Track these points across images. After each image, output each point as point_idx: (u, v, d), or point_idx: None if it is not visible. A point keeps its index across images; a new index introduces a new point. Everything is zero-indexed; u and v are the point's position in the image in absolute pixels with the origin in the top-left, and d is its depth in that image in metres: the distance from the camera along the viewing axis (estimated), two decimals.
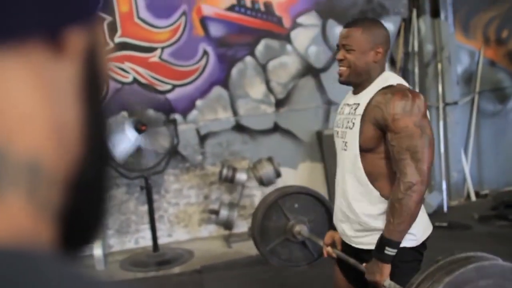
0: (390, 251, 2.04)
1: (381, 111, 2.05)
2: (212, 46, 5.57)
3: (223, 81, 5.64)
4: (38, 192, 0.31)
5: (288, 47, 5.74)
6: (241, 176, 5.39)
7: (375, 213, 2.17)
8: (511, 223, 5.16)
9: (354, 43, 2.15)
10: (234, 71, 5.66)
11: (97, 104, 0.36)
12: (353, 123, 2.13)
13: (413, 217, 2.03)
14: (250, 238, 5.40)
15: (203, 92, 5.61)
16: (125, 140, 4.94)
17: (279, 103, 5.78)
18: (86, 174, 0.35)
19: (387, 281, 2.07)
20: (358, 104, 2.16)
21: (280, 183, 5.66)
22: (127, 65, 5.38)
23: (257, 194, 5.72)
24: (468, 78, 6.16)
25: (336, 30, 5.79)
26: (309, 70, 5.81)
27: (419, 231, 2.15)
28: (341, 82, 2.28)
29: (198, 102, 5.60)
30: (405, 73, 5.91)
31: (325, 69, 5.84)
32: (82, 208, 0.36)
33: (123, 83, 5.33)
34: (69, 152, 0.33)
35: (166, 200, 5.62)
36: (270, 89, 5.76)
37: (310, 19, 5.77)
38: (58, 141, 0.32)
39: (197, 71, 5.57)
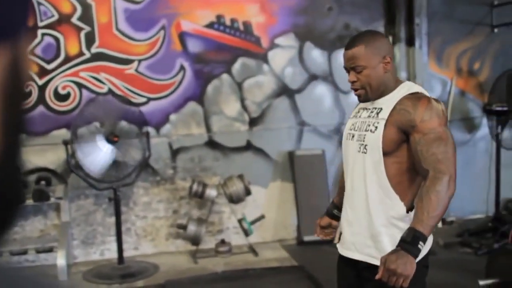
0: (422, 246, 1.96)
1: (409, 113, 2.09)
2: (189, 61, 5.61)
3: (198, 97, 5.67)
4: None
5: (265, 66, 5.80)
6: (211, 192, 5.40)
7: (395, 217, 2.16)
8: (474, 251, 5.24)
9: (362, 62, 2.17)
10: (210, 88, 5.69)
11: (18, 111, 0.40)
12: (376, 127, 2.15)
13: (444, 211, 2.03)
14: (216, 254, 5.44)
15: (178, 107, 5.63)
16: (96, 151, 4.92)
17: (253, 122, 5.83)
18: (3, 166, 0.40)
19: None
20: (381, 108, 2.18)
21: (250, 201, 5.72)
22: (102, 75, 5.38)
23: (226, 211, 5.74)
24: None
25: (313, 52, 5.89)
26: (285, 91, 5.87)
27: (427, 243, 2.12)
28: (362, 102, 2.29)
29: (172, 117, 5.62)
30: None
31: (300, 90, 5.90)
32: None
33: (97, 93, 5.32)
34: None
35: (134, 212, 5.59)
36: (244, 107, 5.80)
37: (288, 40, 5.84)
38: None
39: (172, 85, 5.59)
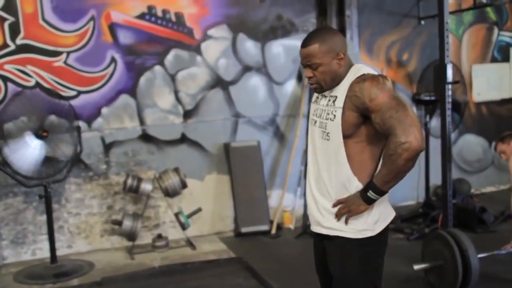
0: (371, 195, 2.24)
1: (359, 98, 2.22)
2: (121, 53, 5.47)
3: (131, 89, 5.55)
4: None
5: (198, 58, 5.74)
6: (146, 186, 5.31)
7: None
8: (406, 236, 5.40)
9: (316, 59, 2.30)
10: (143, 80, 5.58)
11: None
12: (334, 115, 2.30)
13: (401, 173, 2.19)
14: (153, 249, 5.35)
15: (110, 100, 5.48)
16: (24, 147, 4.73)
17: (187, 114, 5.76)
18: None
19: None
20: (336, 96, 2.32)
21: (187, 194, 5.67)
22: (29, 68, 5.17)
23: (162, 205, 5.65)
24: None
25: (247, 44, 5.88)
26: (218, 82, 5.84)
27: (374, 223, 2.33)
28: (318, 93, 2.45)
29: (104, 110, 5.47)
30: (311, 90, 6.07)
31: (234, 82, 5.88)
32: None
33: (24, 87, 5.11)
34: None
35: (67, 210, 5.42)
36: (178, 100, 5.72)
37: (221, 32, 5.80)
38: None
39: (104, 78, 5.44)
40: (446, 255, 3.98)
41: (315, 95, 2.52)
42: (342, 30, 6.05)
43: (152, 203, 5.65)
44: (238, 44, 5.87)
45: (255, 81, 5.96)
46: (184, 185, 5.38)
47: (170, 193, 5.35)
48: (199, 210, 5.53)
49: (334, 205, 2.35)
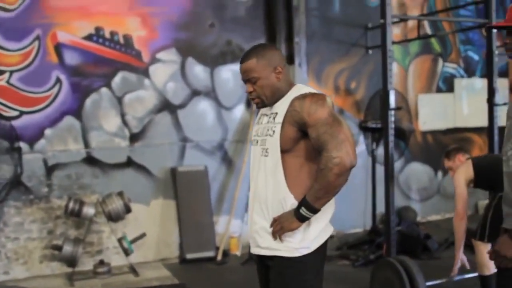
0: (304, 212, 2.21)
1: (298, 112, 2.26)
2: (66, 74, 5.38)
3: (76, 111, 5.44)
4: None
5: (146, 81, 5.69)
6: (89, 210, 5.17)
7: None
8: (352, 263, 5.40)
9: (254, 74, 2.36)
10: (88, 102, 5.48)
11: None
12: (273, 131, 2.32)
13: (331, 188, 2.18)
14: (95, 276, 5.18)
15: (54, 121, 5.36)
16: None
17: (134, 137, 5.67)
18: None
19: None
20: (276, 113, 2.35)
21: (131, 219, 5.55)
22: None
23: (106, 230, 5.51)
24: None
25: (196, 68, 5.86)
26: (166, 106, 5.78)
27: (311, 240, 2.29)
28: (260, 108, 2.49)
29: (47, 131, 5.34)
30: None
31: (182, 105, 5.84)
32: None
33: None
34: None
35: (5, 234, 5.21)
36: (125, 123, 5.63)
37: (170, 55, 5.78)
38: None
39: (48, 98, 5.33)
40: (395, 283, 3.96)
41: (258, 116, 2.54)
42: (290, 56, 6.11)
43: (96, 228, 5.50)
44: (187, 68, 5.85)
45: (204, 105, 5.94)
46: (128, 210, 5.26)
47: (113, 218, 5.22)
48: (143, 235, 5.40)
49: (271, 224, 2.32)
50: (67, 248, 5.08)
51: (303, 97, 2.29)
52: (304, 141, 2.29)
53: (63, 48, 5.36)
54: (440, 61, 7.31)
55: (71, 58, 5.39)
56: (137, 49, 5.64)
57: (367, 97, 6.59)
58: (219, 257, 5.66)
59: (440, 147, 7.30)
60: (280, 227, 2.27)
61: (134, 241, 5.33)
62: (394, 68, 6.75)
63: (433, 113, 7.25)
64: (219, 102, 5.98)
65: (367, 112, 6.38)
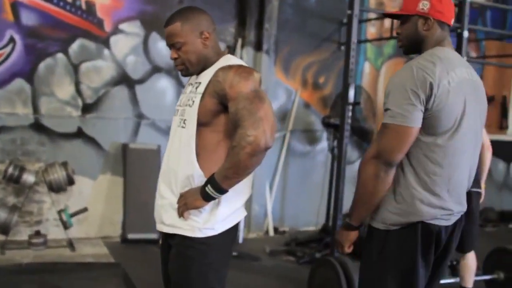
0: (210, 190, 2.03)
1: (220, 83, 2.07)
2: (21, 34, 5.14)
3: (28, 74, 5.21)
4: None
5: (106, 51, 5.47)
6: (28, 178, 4.95)
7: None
8: (297, 259, 5.25)
9: (179, 39, 2.17)
10: (42, 66, 5.25)
11: None
12: (193, 101, 2.13)
13: (242, 168, 1.98)
14: (29, 246, 4.97)
15: (2, 82, 5.13)
16: None
17: (87, 108, 5.45)
18: None
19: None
20: (200, 82, 2.17)
21: (76, 192, 5.35)
22: None
23: (47, 201, 5.28)
24: (283, 116, 6.31)
25: (159, 43, 5.66)
26: (125, 79, 5.57)
27: (219, 222, 2.13)
28: (185, 76, 2.29)
29: None
30: None
31: (141, 81, 5.64)
32: None
33: None
34: None
35: None
36: (79, 92, 5.41)
37: (133, 27, 5.56)
38: None
39: None
40: (332, 283, 3.82)
41: (186, 86, 2.35)
42: (259, 43, 5.94)
43: (37, 198, 5.28)
44: (150, 42, 5.64)
45: (164, 83, 5.74)
46: (71, 181, 5.05)
47: (54, 188, 5.01)
48: (84, 210, 5.19)
49: (178, 200, 2.14)
50: (1, 214, 4.85)
51: (229, 67, 2.11)
52: (224, 115, 2.11)
53: (20, 6, 5.12)
54: None
55: (27, 18, 5.16)
56: (99, 17, 5.42)
57: (334, 93, 6.44)
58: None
59: None
60: (184, 203, 2.09)
61: (74, 214, 5.12)
62: (366, 67, 6.64)
63: None
64: (180, 81, 5.77)
65: (332, 108, 6.24)
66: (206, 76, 2.16)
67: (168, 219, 2.18)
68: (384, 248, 2.17)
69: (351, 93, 4.27)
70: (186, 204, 2.08)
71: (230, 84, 2.04)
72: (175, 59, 2.22)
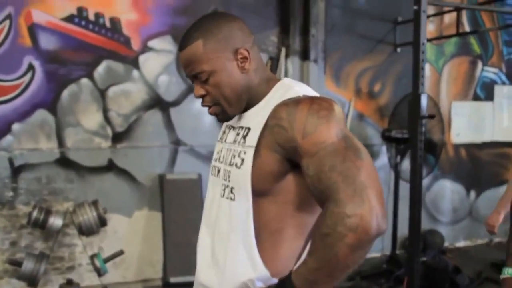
0: None
1: (285, 130, 1.34)
2: (41, 60, 4.62)
3: (50, 104, 4.68)
4: None
5: (135, 73, 4.91)
6: (55, 222, 4.38)
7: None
8: None
9: (203, 66, 1.44)
10: (65, 94, 4.72)
11: None
12: (242, 159, 1.41)
13: (340, 269, 1.24)
14: None
15: (23, 115, 4.61)
16: None
17: (117, 138, 4.89)
18: None
19: None
20: (248, 129, 1.45)
21: (110, 233, 4.80)
22: None
23: (79, 244, 4.73)
24: None
25: None
26: (157, 103, 5.00)
27: None
28: (222, 121, 1.57)
29: (15, 126, 4.59)
30: None
31: (176, 103, 5.06)
32: None
33: None
34: None
35: None
36: (107, 120, 4.86)
37: (164, 44, 4.99)
38: None
39: (17, 88, 4.58)
40: None
41: (222, 129, 1.65)
42: (305, 51, 5.27)
43: (67, 241, 4.73)
44: None
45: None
46: (103, 223, 4.47)
47: (84, 231, 4.44)
48: (120, 253, 4.60)
49: None
50: (28, 265, 4.30)
51: (294, 103, 1.36)
52: (294, 177, 1.39)
53: (38, 29, 4.60)
54: (480, 64, 6.36)
55: (47, 42, 4.63)
56: (125, 35, 4.86)
57: (393, 102, 5.72)
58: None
59: (474, 163, 6.39)
60: None
61: (109, 259, 4.53)
62: (427, 70, 5.91)
63: (468, 124, 6.32)
64: None
65: (392, 119, 5.54)
66: (257, 118, 1.44)
67: None
68: None
69: (424, 103, 3.56)
70: None
71: (303, 132, 1.31)
72: (202, 96, 1.51)
